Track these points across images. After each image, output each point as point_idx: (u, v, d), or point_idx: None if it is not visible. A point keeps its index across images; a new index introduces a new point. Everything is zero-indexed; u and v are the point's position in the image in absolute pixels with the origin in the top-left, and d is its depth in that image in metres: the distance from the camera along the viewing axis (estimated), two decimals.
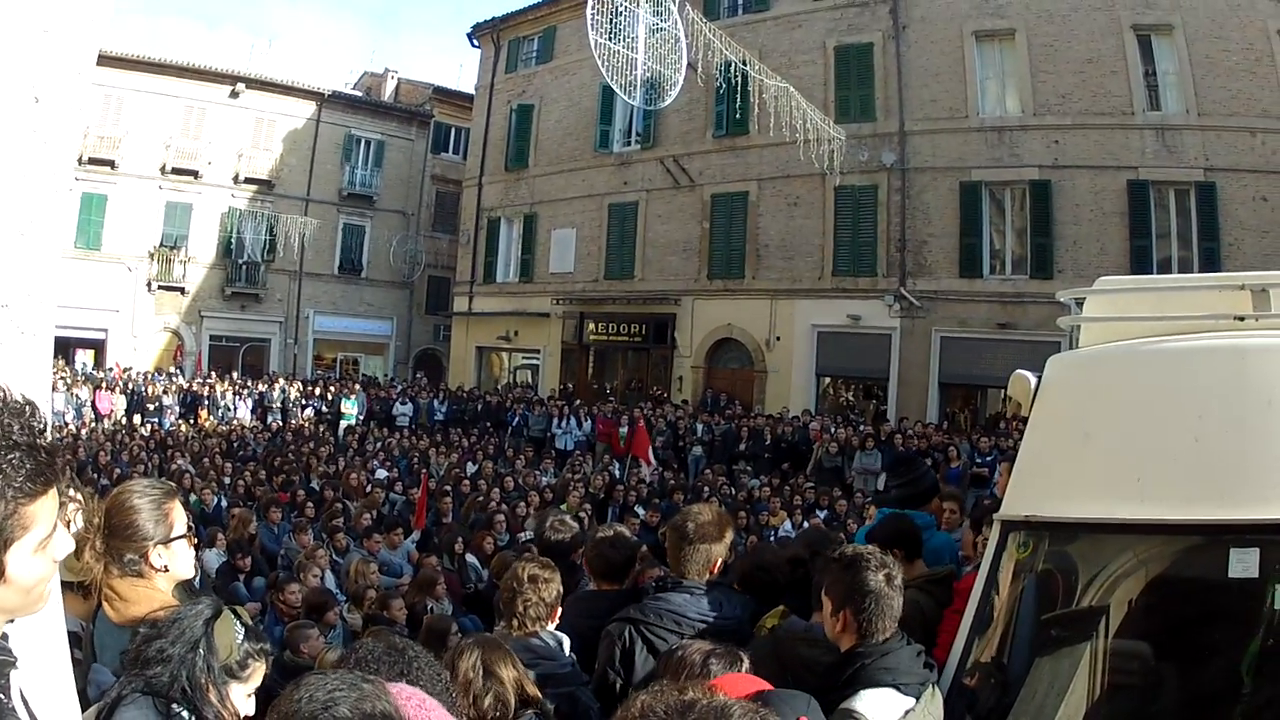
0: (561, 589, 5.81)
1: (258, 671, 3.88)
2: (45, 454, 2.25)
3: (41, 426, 2.27)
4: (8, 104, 3.09)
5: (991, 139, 33.01)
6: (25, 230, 3.17)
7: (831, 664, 4.74)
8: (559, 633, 5.68)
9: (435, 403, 40.86)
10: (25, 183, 3.18)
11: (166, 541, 4.49)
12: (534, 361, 47.01)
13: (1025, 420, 5.53)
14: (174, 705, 3.50)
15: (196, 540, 5.85)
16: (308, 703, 2.39)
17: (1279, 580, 4.57)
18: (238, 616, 3.89)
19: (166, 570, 4.50)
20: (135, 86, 44.15)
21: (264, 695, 3.83)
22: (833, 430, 30.27)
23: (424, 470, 27.15)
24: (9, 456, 2.17)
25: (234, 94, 50.07)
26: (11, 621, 2.41)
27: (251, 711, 3.83)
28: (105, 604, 4.37)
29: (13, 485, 2.19)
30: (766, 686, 3.97)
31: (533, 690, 4.63)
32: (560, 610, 5.82)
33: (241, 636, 3.82)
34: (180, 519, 4.62)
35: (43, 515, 2.29)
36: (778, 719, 2.16)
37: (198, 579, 5.20)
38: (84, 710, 3.71)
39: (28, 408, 2.25)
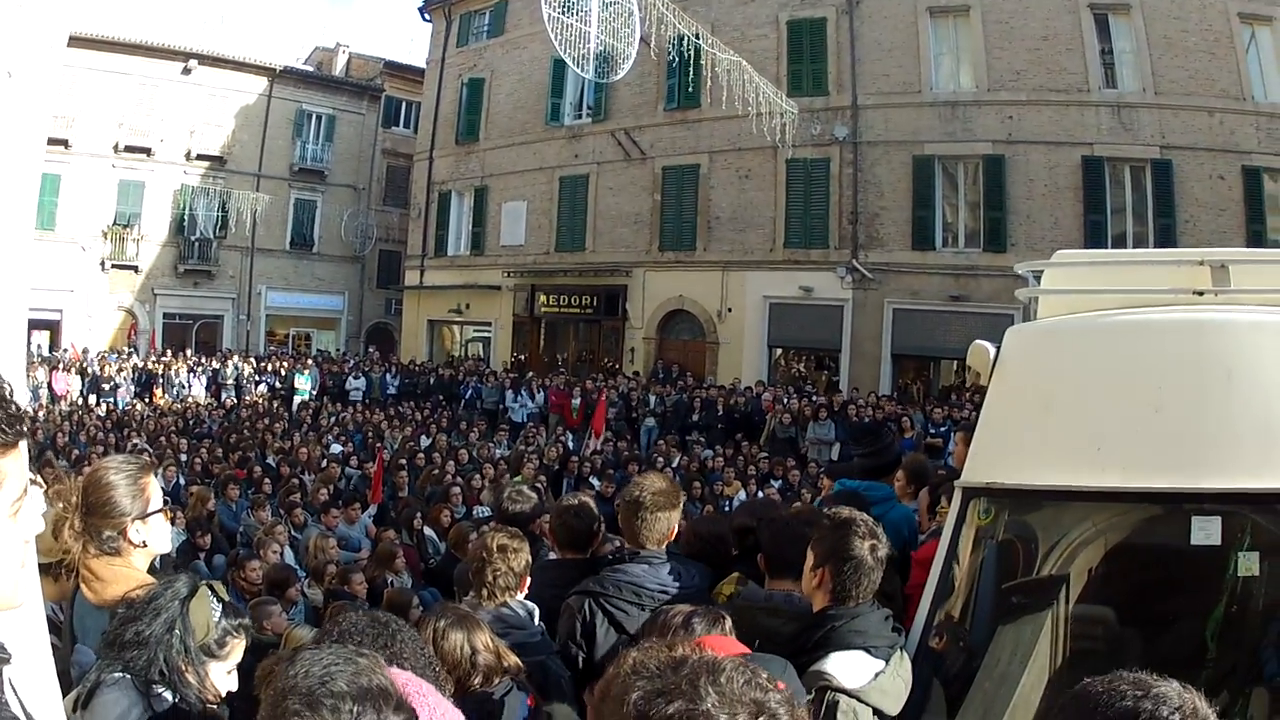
0: (530, 559, 5.80)
1: (237, 648, 3.90)
2: (13, 408, 2.22)
3: (9, 391, 2.24)
4: None
5: (945, 114, 33.09)
6: None
7: (801, 627, 4.79)
8: (528, 603, 5.69)
9: (388, 376, 40.76)
10: None
11: (144, 516, 4.47)
12: (486, 334, 46.92)
13: (983, 390, 5.58)
14: (154, 685, 3.53)
15: (172, 515, 5.86)
16: (304, 677, 2.37)
17: (1241, 548, 4.64)
18: (214, 593, 3.90)
19: (145, 545, 4.49)
20: (88, 65, 43.53)
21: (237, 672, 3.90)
22: (785, 401, 30.33)
23: (379, 445, 27.15)
24: None
25: (186, 70, 49.66)
26: None
27: (234, 688, 3.85)
28: (83, 585, 4.35)
29: None
30: (746, 650, 4.02)
31: (512, 658, 4.65)
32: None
33: (219, 614, 3.84)
34: (156, 493, 4.61)
35: (12, 472, 2.24)
36: (763, 669, 2.20)
37: (157, 559, 5.15)
38: (64, 693, 3.74)
39: None
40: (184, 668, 3.58)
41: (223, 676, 3.81)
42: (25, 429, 2.25)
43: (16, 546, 2.32)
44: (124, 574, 4.33)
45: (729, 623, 4.32)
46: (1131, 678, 2.44)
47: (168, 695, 3.56)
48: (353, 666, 2.43)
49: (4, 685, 2.30)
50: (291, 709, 2.28)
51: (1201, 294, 5.14)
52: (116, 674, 3.53)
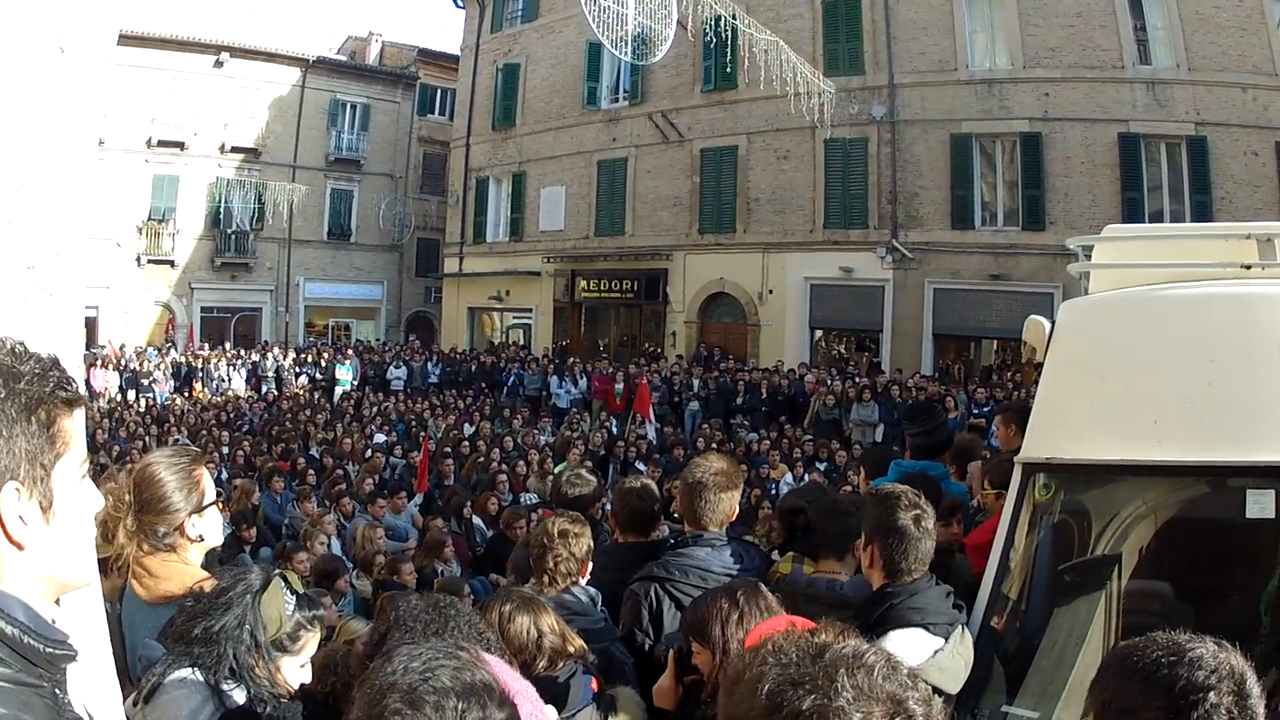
0: (592, 544, 5.76)
1: (311, 641, 3.85)
2: (67, 375, 2.21)
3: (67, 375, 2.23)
4: (32, 55, 3.04)
5: (981, 91, 32.92)
6: (52, 188, 3.13)
7: (862, 604, 4.83)
8: (590, 589, 5.65)
9: (429, 365, 40.84)
10: (52, 138, 3.12)
11: (200, 510, 4.44)
12: (526, 320, 46.92)
13: (1030, 368, 5.59)
14: (225, 682, 3.49)
15: (224, 506, 5.85)
16: (404, 674, 2.32)
17: None
18: (287, 584, 3.85)
19: (202, 539, 4.47)
20: (119, 60, 43.15)
21: None
22: (829, 383, 30.25)
23: (423, 433, 27.17)
24: (35, 366, 2.11)
25: (218, 63, 49.60)
26: (56, 601, 2.31)
27: (307, 680, 3.82)
28: (134, 581, 4.33)
29: (45, 391, 2.13)
30: (804, 622, 4.02)
31: (577, 642, 4.64)
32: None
33: (292, 606, 3.78)
34: (209, 485, 4.57)
35: (75, 436, 2.23)
36: (910, 668, 2.16)
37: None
38: (123, 687, 3.72)
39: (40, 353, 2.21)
40: (255, 664, 3.54)
41: (296, 671, 3.76)
42: (80, 397, 2.25)
43: (89, 517, 2.34)
44: (178, 570, 4.32)
45: (771, 597, 4.31)
46: (1165, 641, 2.46)
47: (239, 694, 3.52)
48: (455, 661, 2.39)
49: (68, 685, 2.24)
50: (392, 707, 2.24)
51: (1249, 267, 5.14)
52: (184, 671, 3.49)
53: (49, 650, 2.10)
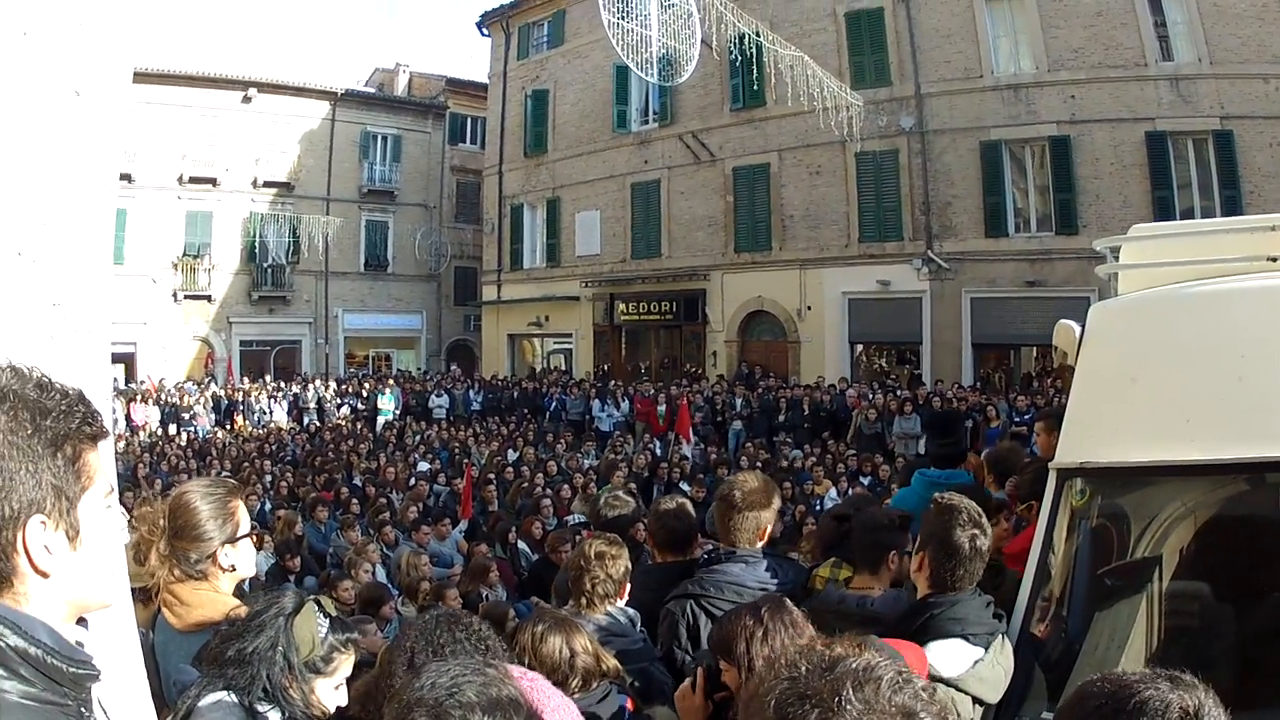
0: (630, 565, 5.75)
1: (345, 664, 3.84)
2: (92, 409, 2.27)
3: (83, 393, 2.29)
4: (50, 100, 3.10)
5: (1008, 97, 32.86)
6: (73, 227, 3.18)
7: (902, 615, 4.82)
8: (629, 609, 5.67)
9: (470, 393, 40.84)
10: (71, 178, 3.18)
11: (233, 540, 4.48)
12: (566, 345, 46.97)
13: (1068, 373, 5.57)
14: (259, 704, 3.50)
15: (260, 539, 5.87)
16: (430, 689, 2.34)
17: None
18: (321, 608, 3.85)
19: (234, 569, 4.51)
20: (146, 99, 43.41)
21: None
22: (870, 397, 30.21)
23: (466, 460, 27.21)
24: (61, 401, 2.18)
25: (246, 99, 49.92)
26: (84, 624, 2.36)
27: (343, 703, 3.81)
28: (165, 609, 4.36)
29: (71, 427, 2.18)
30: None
31: (611, 662, 4.62)
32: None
33: (325, 629, 3.78)
34: (244, 517, 4.61)
35: (100, 469, 2.29)
36: (924, 682, 2.13)
37: (246, 583, 5.15)
38: (158, 713, 3.75)
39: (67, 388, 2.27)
40: (288, 685, 3.55)
41: (330, 693, 3.76)
42: (103, 430, 2.31)
43: (110, 544, 2.38)
44: (210, 598, 4.35)
45: (796, 612, 4.29)
46: (1110, 684, 2.41)
47: (274, 715, 3.53)
48: (481, 677, 2.42)
49: (94, 704, 2.29)
50: None
51: (1275, 259, 5.12)
52: (219, 694, 3.50)
53: (73, 670, 2.15)
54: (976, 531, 4.79)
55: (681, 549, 6.62)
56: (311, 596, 3.90)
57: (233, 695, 3.50)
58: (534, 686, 3.10)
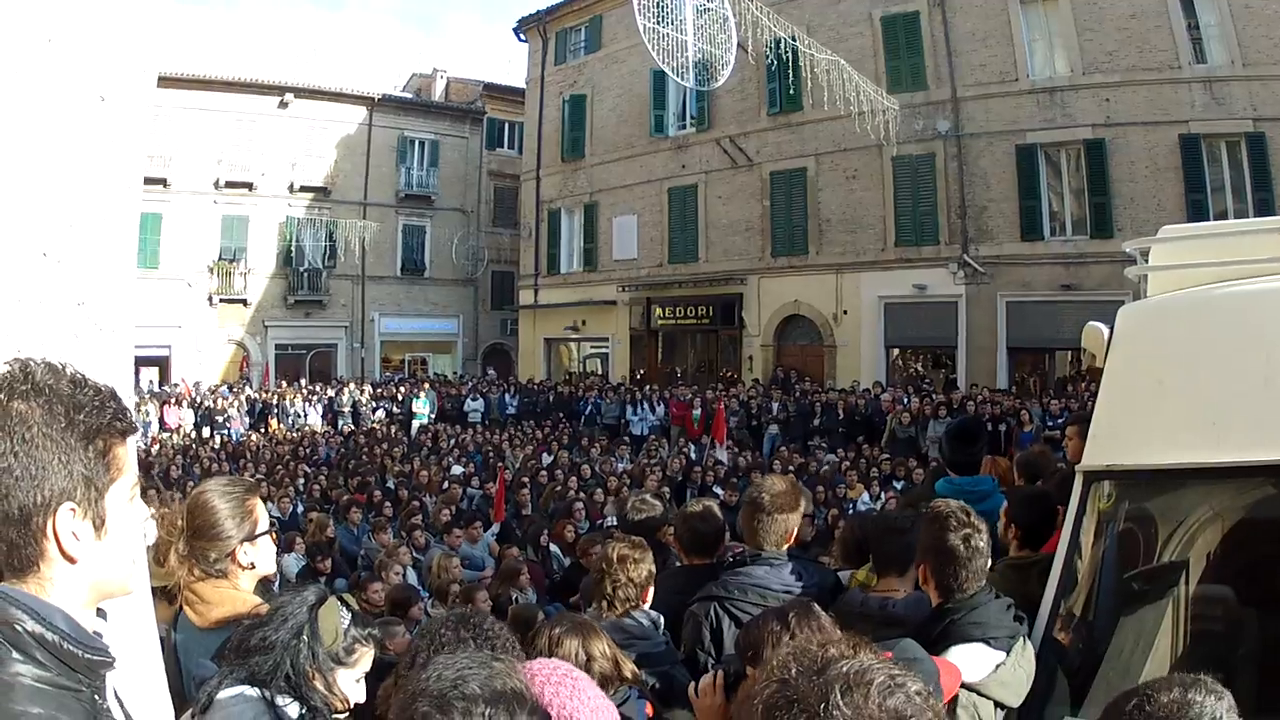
0: (654, 568, 5.77)
1: (365, 657, 3.86)
2: (122, 406, 2.32)
3: (115, 391, 2.35)
4: (75, 104, 3.14)
5: (1043, 100, 32.83)
6: (98, 229, 3.22)
7: (923, 621, 4.81)
8: (652, 612, 5.66)
9: (506, 397, 41.01)
10: (96, 181, 3.22)
11: (252, 538, 4.50)
12: (603, 350, 47.10)
13: (1099, 372, 5.55)
14: (279, 696, 3.50)
15: (278, 537, 5.88)
16: (436, 681, 2.36)
17: None
18: (344, 603, 3.87)
19: (253, 567, 4.52)
20: (182, 104, 43.88)
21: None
22: (905, 401, 30.22)
23: (500, 464, 27.27)
24: (94, 397, 2.25)
25: (282, 104, 50.27)
26: (103, 616, 2.42)
27: (362, 698, 3.83)
28: (187, 608, 4.38)
29: (103, 422, 2.27)
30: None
31: (630, 667, 4.60)
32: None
33: (348, 622, 3.80)
34: (263, 515, 4.63)
35: (128, 462, 2.36)
36: (916, 679, 2.10)
37: (276, 584, 5.17)
38: (177, 711, 3.77)
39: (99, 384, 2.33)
40: (311, 674, 3.56)
41: (351, 685, 3.77)
42: (132, 425, 2.39)
43: (133, 534, 2.46)
44: (230, 596, 4.37)
45: (825, 617, 4.26)
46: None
47: (293, 709, 3.53)
48: (486, 670, 2.43)
49: (106, 692, 2.34)
50: (421, 711, 2.29)
51: None
52: (239, 687, 3.50)
53: (88, 657, 2.21)
54: (969, 531, 4.81)
55: (708, 552, 6.62)
56: (334, 593, 3.92)
57: (254, 689, 3.51)
58: (574, 685, 3.11)
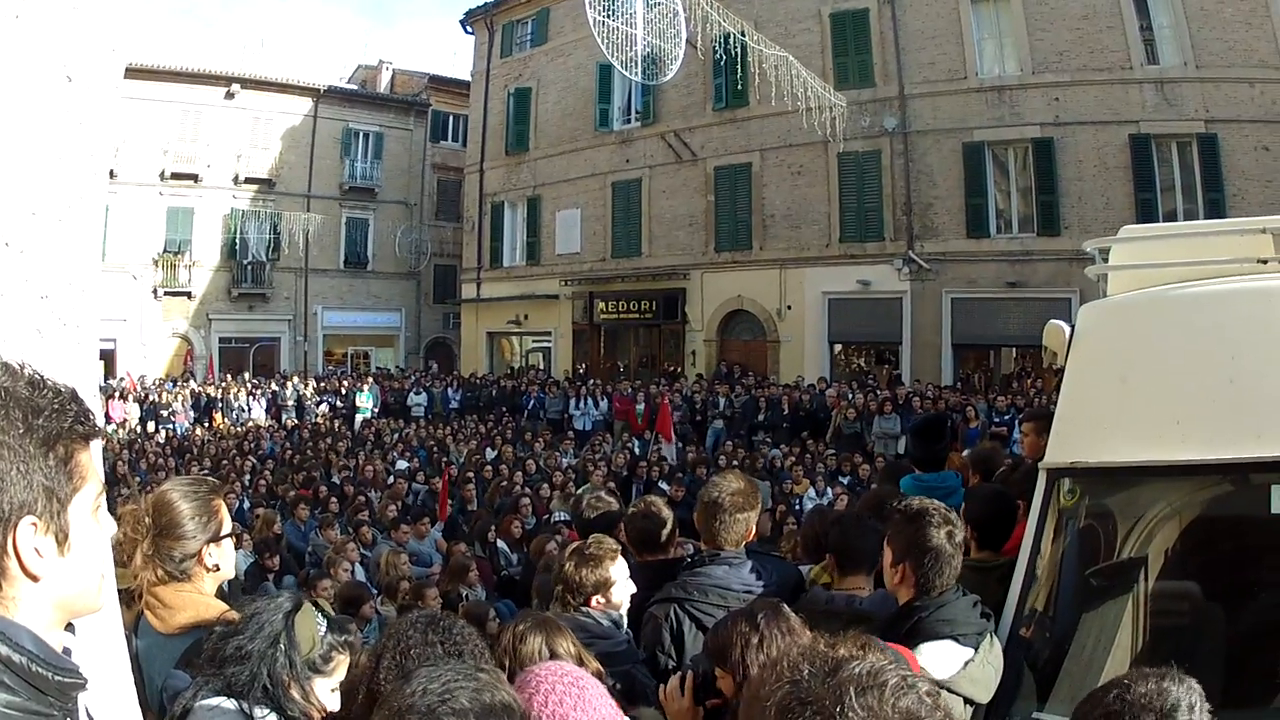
0: (610, 571, 5.64)
1: (342, 664, 3.81)
2: (85, 408, 2.23)
3: (77, 392, 2.25)
4: (40, 84, 3.05)
5: (992, 99, 32.97)
6: (63, 216, 3.12)
7: (890, 619, 4.80)
8: (613, 611, 5.59)
9: (449, 391, 40.86)
10: (61, 166, 3.12)
11: (217, 539, 4.45)
12: (545, 344, 46.95)
13: (1060, 371, 5.59)
14: (257, 708, 3.45)
15: (239, 537, 5.84)
16: (422, 695, 2.29)
17: None
18: (319, 608, 3.82)
19: (217, 569, 4.46)
20: (130, 94, 42.90)
21: None
22: (850, 396, 30.25)
23: (444, 459, 27.22)
24: (54, 399, 2.14)
25: (229, 95, 49.90)
26: (72, 630, 2.30)
27: (336, 707, 3.77)
28: (148, 612, 4.32)
29: (63, 426, 2.13)
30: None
31: (594, 665, 4.53)
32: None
33: (324, 629, 3.75)
34: (226, 516, 4.58)
35: (92, 470, 2.24)
36: (926, 679, 2.08)
37: (225, 583, 5.11)
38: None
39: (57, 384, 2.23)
40: (289, 683, 3.51)
41: (328, 694, 3.72)
42: (95, 429, 2.25)
43: (101, 547, 2.33)
44: (193, 600, 4.32)
45: (794, 619, 4.24)
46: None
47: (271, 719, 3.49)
48: (474, 683, 2.38)
49: (80, 713, 2.24)
50: None
51: (1265, 262, 5.16)
52: (216, 698, 3.46)
53: (59, 679, 2.09)
54: (951, 528, 4.81)
55: (659, 548, 6.61)
56: (309, 598, 3.88)
57: (231, 701, 3.46)
58: (580, 695, 3.07)
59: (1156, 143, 30.38)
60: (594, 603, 5.53)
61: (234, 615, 3.75)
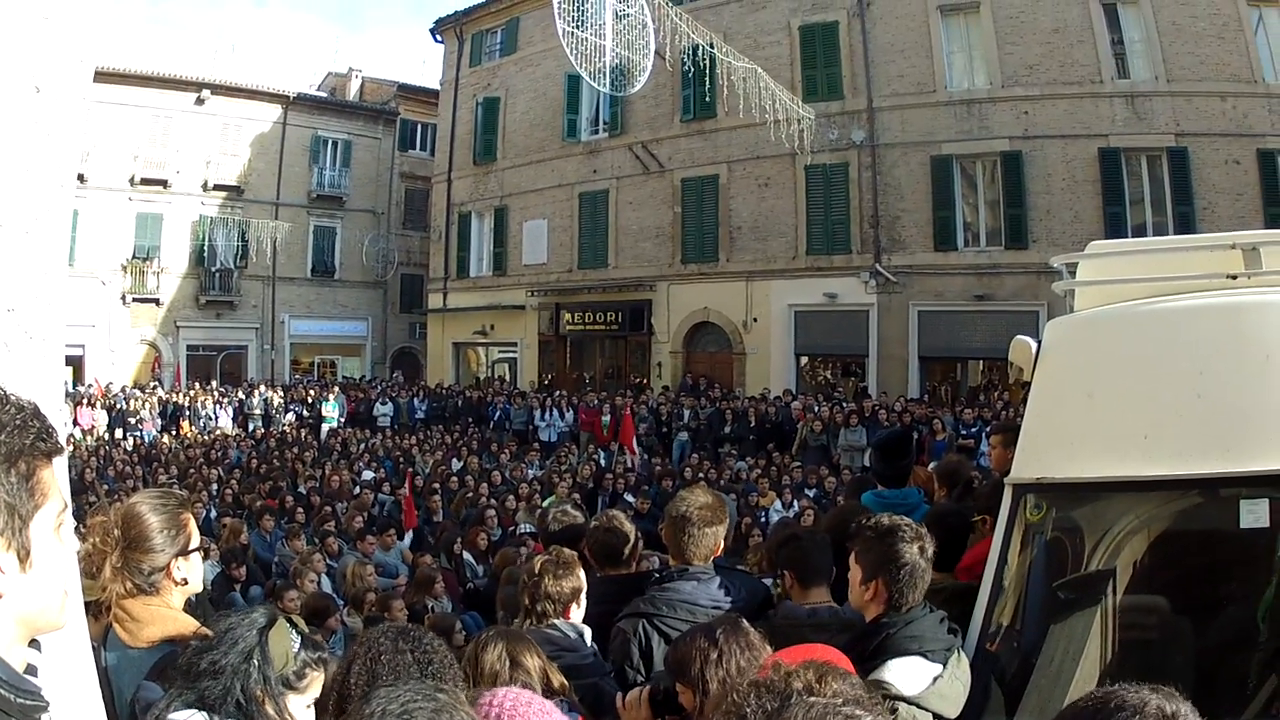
0: (582, 582, 5.71)
1: (316, 681, 3.74)
2: (47, 421, 2.20)
3: (39, 408, 2.22)
4: (8, 95, 3.02)
5: (960, 112, 33.07)
6: (30, 229, 3.09)
7: (855, 637, 4.78)
8: (579, 624, 5.61)
9: (415, 401, 40.79)
10: (28, 178, 3.09)
11: (185, 553, 4.42)
12: (511, 355, 46.93)
13: (1021, 387, 5.60)
14: None
15: (206, 548, 5.81)
16: (382, 716, 2.30)
17: None
18: (293, 625, 3.77)
19: (186, 583, 4.43)
20: (101, 98, 42.95)
21: None
22: (816, 409, 30.29)
23: (410, 470, 27.17)
24: (15, 415, 2.12)
25: (199, 101, 49.80)
26: (36, 646, 2.30)
27: None
28: (116, 626, 4.26)
29: (25, 443, 2.10)
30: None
31: (559, 679, 4.59)
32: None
33: (298, 644, 3.70)
34: (195, 530, 4.55)
35: (54, 486, 2.22)
36: (875, 710, 2.07)
37: (193, 597, 5.07)
38: None
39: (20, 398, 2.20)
40: (262, 698, 3.47)
41: (301, 711, 3.66)
42: (58, 445, 2.23)
43: (63, 564, 2.30)
44: (162, 614, 4.28)
45: (754, 634, 4.23)
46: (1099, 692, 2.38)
47: None
48: (432, 703, 2.38)
49: None
50: None
51: (1235, 277, 5.16)
52: (188, 711, 3.41)
53: (20, 701, 2.07)
54: (922, 543, 4.80)
55: (623, 562, 6.64)
56: (283, 614, 3.83)
57: (203, 714, 3.43)
58: (542, 712, 3.07)
59: (1126, 156, 30.56)
60: (570, 612, 5.56)
61: (207, 631, 3.72)
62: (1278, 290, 4.96)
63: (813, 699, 2.01)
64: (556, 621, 5.47)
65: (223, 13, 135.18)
